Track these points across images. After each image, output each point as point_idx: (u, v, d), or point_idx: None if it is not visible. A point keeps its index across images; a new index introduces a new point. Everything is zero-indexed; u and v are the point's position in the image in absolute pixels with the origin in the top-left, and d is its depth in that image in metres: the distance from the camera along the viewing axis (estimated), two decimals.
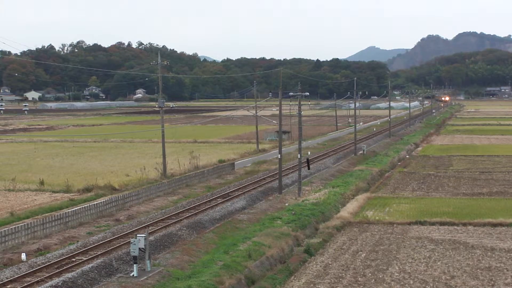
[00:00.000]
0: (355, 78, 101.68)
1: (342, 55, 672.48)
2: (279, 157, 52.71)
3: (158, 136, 73.59)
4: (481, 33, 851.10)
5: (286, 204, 46.44)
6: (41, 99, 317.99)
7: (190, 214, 41.00)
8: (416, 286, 27.86)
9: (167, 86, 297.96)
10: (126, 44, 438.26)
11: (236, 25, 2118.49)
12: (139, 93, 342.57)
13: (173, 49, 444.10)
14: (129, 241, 29.93)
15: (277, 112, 59.41)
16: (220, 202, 45.46)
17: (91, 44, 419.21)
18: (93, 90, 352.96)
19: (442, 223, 39.91)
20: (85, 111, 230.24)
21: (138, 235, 28.89)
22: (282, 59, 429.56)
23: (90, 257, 30.57)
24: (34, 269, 28.59)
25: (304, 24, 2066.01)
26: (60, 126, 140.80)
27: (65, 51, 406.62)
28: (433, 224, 39.91)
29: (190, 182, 55.92)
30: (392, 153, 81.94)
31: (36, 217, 39.34)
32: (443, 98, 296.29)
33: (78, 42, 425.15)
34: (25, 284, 26.48)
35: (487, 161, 72.89)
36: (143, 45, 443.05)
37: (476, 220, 40.24)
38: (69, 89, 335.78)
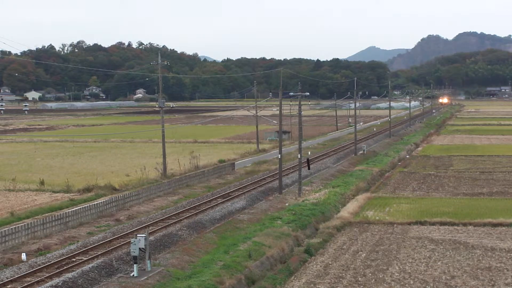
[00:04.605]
0: (355, 78, 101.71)
1: (342, 55, 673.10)
2: (279, 157, 52.70)
3: (158, 136, 73.58)
4: (481, 33, 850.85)
5: (286, 204, 46.43)
6: (41, 99, 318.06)
7: (190, 214, 40.99)
8: (416, 286, 27.86)
9: (167, 86, 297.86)
10: (126, 44, 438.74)
11: (236, 25, 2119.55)
12: (139, 93, 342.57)
13: (173, 49, 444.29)
14: (129, 241, 29.95)
15: (277, 112, 59.42)
16: (220, 202, 45.45)
17: (91, 44, 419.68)
18: (93, 90, 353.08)
19: (442, 223, 39.90)
20: (85, 111, 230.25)
21: (138, 235, 28.90)
22: (282, 59, 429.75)
23: (90, 257, 30.57)
24: (34, 269, 28.59)
25: (304, 24, 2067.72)
26: (60, 126, 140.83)
27: (65, 51, 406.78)
28: (433, 224, 39.91)
29: (190, 182, 55.92)
30: (392, 153, 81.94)
31: (36, 217, 39.35)
32: (440, 100, 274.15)
33: (78, 42, 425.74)
34: (25, 284, 26.47)
35: (487, 161, 72.87)
36: (143, 45, 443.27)
37: (476, 220, 40.23)
38: (69, 89, 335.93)
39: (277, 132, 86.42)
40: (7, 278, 27.17)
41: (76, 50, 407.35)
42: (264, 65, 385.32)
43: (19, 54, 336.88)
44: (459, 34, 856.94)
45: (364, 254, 33.24)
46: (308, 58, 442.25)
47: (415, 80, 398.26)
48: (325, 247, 35.24)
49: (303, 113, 54.83)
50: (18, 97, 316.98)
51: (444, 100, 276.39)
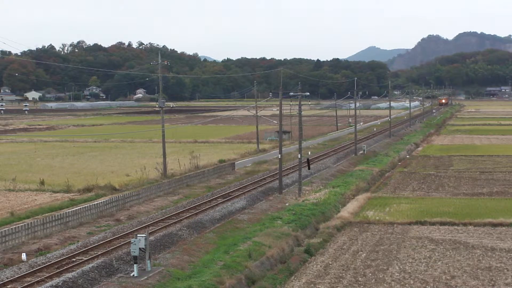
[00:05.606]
0: (355, 78, 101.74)
1: (342, 55, 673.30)
2: (279, 157, 52.70)
3: (158, 136, 73.59)
4: (481, 33, 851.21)
5: (287, 204, 46.43)
6: (41, 99, 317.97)
7: (190, 214, 41.00)
8: (416, 286, 27.86)
9: (168, 86, 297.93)
10: (126, 44, 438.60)
11: (236, 25, 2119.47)
12: (140, 93, 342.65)
13: (173, 49, 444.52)
14: (130, 241, 29.95)
15: (278, 112, 59.41)
16: (220, 202, 45.45)
17: (91, 44, 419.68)
18: (94, 90, 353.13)
19: (442, 223, 39.89)
20: (85, 111, 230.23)
21: (138, 235, 28.89)
22: (282, 59, 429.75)
23: (91, 257, 30.57)
24: (34, 269, 28.59)
25: (304, 24, 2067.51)
26: (60, 126, 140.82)
27: (66, 51, 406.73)
28: (433, 224, 39.90)
29: (191, 182, 55.92)
30: (392, 153, 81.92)
31: (36, 217, 39.35)
32: (438, 100, 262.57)
33: (78, 42, 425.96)
34: (26, 284, 26.47)
35: (487, 161, 72.86)
36: (143, 45, 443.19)
37: (477, 220, 40.22)
38: (69, 89, 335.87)
39: (277, 132, 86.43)
40: (7, 278, 27.17)
41: (76, 50, 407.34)
42: (264, 65, 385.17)
43: (19, 54, 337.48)
44: (459, 34, 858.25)
45: (364, 254, 33.23)
46: (308, 58, 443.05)
47: (415, 80, 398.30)
48: (325, 247, 35.23)
49: (303, 113, 54.81)
50: (18, 97, 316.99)
51: (442, 101, 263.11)
